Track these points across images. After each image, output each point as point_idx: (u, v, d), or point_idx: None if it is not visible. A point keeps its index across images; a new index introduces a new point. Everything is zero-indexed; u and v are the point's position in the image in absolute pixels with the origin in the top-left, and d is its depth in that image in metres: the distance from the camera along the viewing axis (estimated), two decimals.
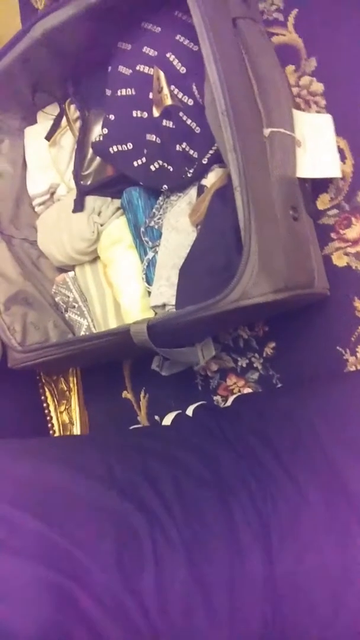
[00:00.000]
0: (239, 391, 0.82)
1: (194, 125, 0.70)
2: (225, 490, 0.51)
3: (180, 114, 0.69)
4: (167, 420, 0.72)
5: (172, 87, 0.69)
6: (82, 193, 0.79)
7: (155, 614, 0.40)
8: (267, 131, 0.57)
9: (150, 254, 0.73)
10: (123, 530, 0.43)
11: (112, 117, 0.74)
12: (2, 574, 0.36)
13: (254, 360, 0.79)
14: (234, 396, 0.74)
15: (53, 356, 0.72)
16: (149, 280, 0.73)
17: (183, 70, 0.69)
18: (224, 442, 0.60)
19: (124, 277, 0.75)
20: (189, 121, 0.70)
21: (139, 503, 0.45)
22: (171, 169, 0.71)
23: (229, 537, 0.47)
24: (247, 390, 0.81)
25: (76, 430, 1.03)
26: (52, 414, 1.01)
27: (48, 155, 0.86)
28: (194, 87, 0.68)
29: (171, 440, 0.59)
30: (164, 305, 0.66)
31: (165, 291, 0.65)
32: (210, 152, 0.69)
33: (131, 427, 0.69)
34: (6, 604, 0.36)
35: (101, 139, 0.76)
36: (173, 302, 0.64)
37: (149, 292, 0.72)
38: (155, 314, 0.72)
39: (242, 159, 0.52)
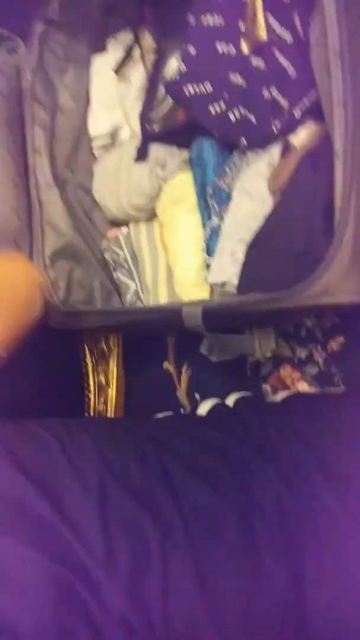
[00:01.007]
0: (292, 384, 0.73)
1: (289, 67, 0.58)
2: (249, 504, 0.46)
3: (275, 51, 0.57)
4: (204, 408, 0.65)
5: (270, 16, 0.56)
6: (147, 139, 0.69)
7: (158, 622, 0.38)
8: None
9: (215, 221, 0.63)
10: (132, 534, 0.41)
11: (192, 50, 0.63)
12: (5, 558, 0.36)
13: (315, 353, 0.70)
14: (286, 392, 0.66)
15: (95, 323, 0.66)
16: (209, 251, 0.63)
17: None
18: (261, 448, 0.53)
19: (181, 243, 0.66)
20: (284, 61, 0.58)
21: (152, 508, 0.42)
22: (254, 120, 0.60)
23: (247, 557, 0.42)
24: (302, 384, 0.72)
25: (111, 392, 0.98)
26: (90, 372, 0.97)
27: (115, 91, 0.76)
28: (297, 19, 0.56)
29: (201, 440, 0.54)
30: (223, 284, 0.57)
31: (228, 268, 0.56)
32: (306, 101, 0.57)
33: (160, 415, 0.62)
34: (7, 592, 0.35)
35: (177, 77, 0.65)
36: (235, 281, 0.55)
37: (208, 265, 0.63)
38: (212, 291, 0.63)
39: (352, 118, 0.40)
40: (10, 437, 0.45)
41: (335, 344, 0.68)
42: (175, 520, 0.42)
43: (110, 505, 0.42)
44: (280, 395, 0.67)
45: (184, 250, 0.66)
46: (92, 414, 0.97)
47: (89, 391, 0.97)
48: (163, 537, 0.41)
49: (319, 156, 0.50)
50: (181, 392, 0.87)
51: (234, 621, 0.40)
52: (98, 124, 0.79)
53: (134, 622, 0.37)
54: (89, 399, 0.97)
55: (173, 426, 0.58)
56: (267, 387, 0.76)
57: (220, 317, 0.51)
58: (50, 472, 0.43)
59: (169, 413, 0.64)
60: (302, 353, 0.71)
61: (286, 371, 0.73)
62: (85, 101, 0.79)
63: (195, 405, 0.84)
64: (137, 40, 0.72)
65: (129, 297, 0.79)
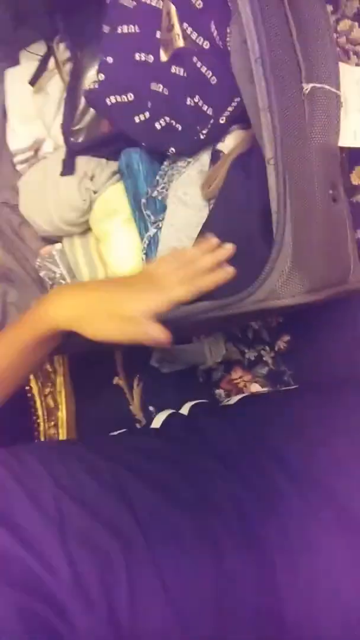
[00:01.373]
0: (245, 386, 0.74)
1: (209, 74, 0.58)
2: (210, 511, 0.46)
3: (194, 59, 0.57)
4: (158, 420, 0.63)
5: (185, 25, 0.56)
6: (72, 152, 0.67)
7: (127, 635, 0.37)
8: (307, 87, 0.46)
9: (152, 230, 0.62)
10: (95, 554, 0.40)
11: (110, 59, 0.61)
12: None
13: (264, 354, 0.71)
14: (240, 396, 0.66)
15: None
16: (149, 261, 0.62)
17: (200, 4, 0.56)
18: (220, 454, 0.53)
19: (119, 255, 0.65)
20: (203, 69, 0.58)
21: (111, 524, 0.42)
22: (180, 128, 0.59)
23: (210, 564, 0.42)
24: (254, 385, 0.73)
25: (61, 415, 0.94)
26: (36, 397, 0.92)
27: (32, 104, 0.73)
28: (213, 27, 0.56)
29: (156, 451, 0.53)
30: None
31: None
32: (230, 109, 0.57)
33: (114, 433, 0.61)
34: None
35: (96, 86, 0.63)
36: None
37: None
38: None
39: (278, 122, 0.41)
40: None
41: (282, 343, 0.69)
42: (134, 531, 0.42)
43: (70, 528, 0.41)
44: (234, 399, 0.67)
45: (123, 262, 0.65)
46: (43, 439, 0.92)
47: (37, 416, 0.93)
48: (124, 551, 0.40)
49: (249, 162, 0.51)
50: (134, 406, 0.85)
51: (204, 623, 0.39)
52: (18, 138, 0.75)
53: (105, 637, 0.36)
54: (38, 424, 0.92)
55: (126, 442, 0.56)
56: (220, 392, 0.76)
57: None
58: (5, 502, 0.41)
59: (123, 430, 0.62)
60: (251, 355, 0.72)
61: (237, 373, 0.74)
62: (2, 115, 0.76)
63: (150, 418, 0.83)
64: (51, 51, 0.70)
65: None
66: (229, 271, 0.46)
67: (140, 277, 0.51)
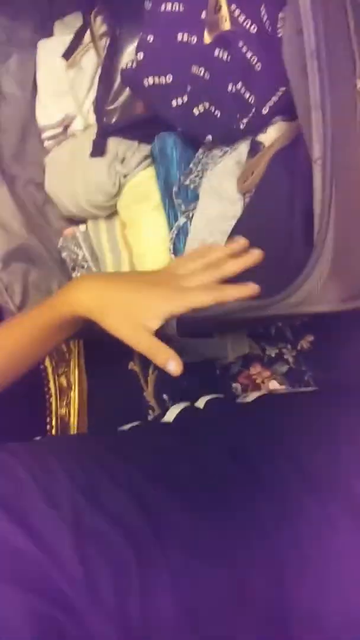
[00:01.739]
0: (262, 382, 0.73)
1: (254, 60, 0.56)
2: (228, 515, 0.45)
3: (240, 43, 0.54)
4: (172, 414, 0.63)
5: (234, 6, 0.53)
6: (104, 133, 0.65)
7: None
8: None
9: (181, 220, 0.60)
10: (109, 557, 0.39)
11: (150, 38, 0.59)
12: None
13: (285, 352, 0.70)
14: (258, 393, 0.65)
15: None
16: (176, 252, 0.61)
17: None
18: (236, 455, 0.53)
19: (146, 243, 0.63)
20: (249, 54, 0.55)
21: (126, 528, 0.41)
22: (219, 115, 0.57)
23: (226, 572, 0.42)
24: (273, 382, 0.72)
25: (73, 395, 0.95)
26: (49, 376, 0.92)
27: (65, 78, 0.70)
28: (263, 11, 0.53)
29: (171, 452, 0.52)
30: None
31: None
32: (274, 99, 0.55)
33: (126, 426, 0.60)
34: None
35: (134, 65, 0.61)
36: None
37: None
38: None
39: (330, 121, 0.39)
40: None
41: (305, 343, 0.68)
42: (147, 532, 0.41)
43: (85, 529, 0.40)
44: (251, 396, 0.66)
45: (149, 251, 0.63)
46: (54, 418, 0.93)
47: (50, 395, 0.93)
48: (139, 556, 0.40)
49: (292, 157, 0.49)
50: (149, 394, 0.85)
51: (215, 623, 0.40)
52: (47, 114, 0.73)
53: (115, 637, 0.36)
54: (50, 403, 0.93)
55: (141, 439, 0.56)
56: (237, 386, 0.75)
57: (194, 323, 0.49)
58: (20, 500, 0.41)
59: (135, 423, 0.62)
60: (272, 352, 0.71)
61: (256, 369, 0.73)
62: (31, 89, 0.74)
63: (164, 406, 0.83)
64: (87, 24, 0.67)
65: None
66: (254, 289, 0.45)
67: (163, 276, 0.50)
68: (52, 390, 0.93)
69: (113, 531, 0.41)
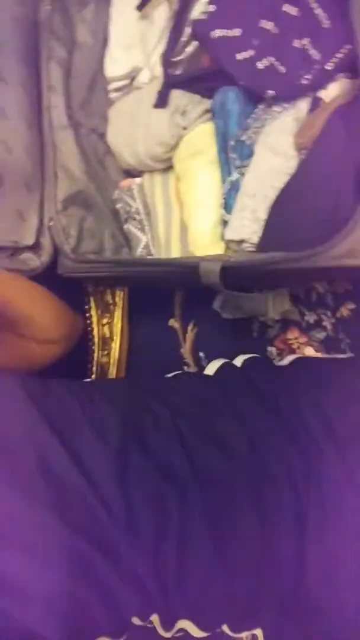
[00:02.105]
0: (298, 347, 0.74)
1: (323, 16, 0.55)
2: (262, 471, 0.47)
3: None
4: (212, 368, 0.65)
5: None
6: (169, 84, 0.66)
7: (172, 586, 0.38)
8: None
9: (235, 175, 0.61)
10: (151, 498, 0.41)
11: None
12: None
13: (324, 319, 0.70)
14: (294, 356, 0.66)
15: (105, 273, 0.65)
16: (227, 207, 0.62)
17: None
18: (272, 411, 0.54)
19: (198, 197, 0.65)
20: (317, 10, 0.55)
21: (169, 471, 0.42)
22: (284, 70, 0.57)
23: (259, 525, 0.44)
24: (308, 349, 0.73)
25: (115, 346, 0.98)
26: (94, 325, 0.96)
27: (135, 31, 0.71)
28: None
29: (213, 403, 0.54)
30: (241, 242, 0.56)
31: (248, 225, 0.54)
32: (339, 55, 0.54)
33: (170, 375, 0.62)
34: (20, 555, 0.35)
35: (205, 17, 0.61)
36: (254, 239, 0.54)
37: (225, 221, 0.61)
38: (227, 247, 0.62)
39: None
40: (37, 389, 0.45)
41: (345, 311, 0.68)
42: (191, 484, 0.43)
43: (130, 467, 0.42)
44: (287, 359, 0.67)
45: (201, 205, 0.65)
46: (95, 365, 0.97)
47: (93, 343, 0.98)
48: (180, 501, 0.41)
49: (351, 114, 0.48)
50: (186, 350, 0.87)
51: (242, 586, 0.41)
52: (116, 65, 0.75)
53: (151, 586, 0.37)
54: (93, 350, 0.97)
55: (185, 388, 0.57)
56: (272, 349, 0.76)
57: (238, 275, 0.51)
58: (72, 426, 0.43)
59: (178, 372, 0.64)
60: (310, 317, 0.71)
61: (293, 334, 0.73)
62: (103, 39, 0.75)
63: (199, 364, 0.85)
64: None
65: (139, 251, 0.78)
66: None
67: None
68: (96, 339, 0.98)
69: (156, 473, 0.42)
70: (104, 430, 0.44)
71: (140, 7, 0.69)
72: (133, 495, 0.40)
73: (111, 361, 0.99)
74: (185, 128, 0.66)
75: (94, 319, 0.97)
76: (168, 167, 0.72)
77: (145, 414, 0.47)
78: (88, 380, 0.52)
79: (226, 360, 0.66)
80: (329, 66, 0.55)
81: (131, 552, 0.37)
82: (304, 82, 0.56)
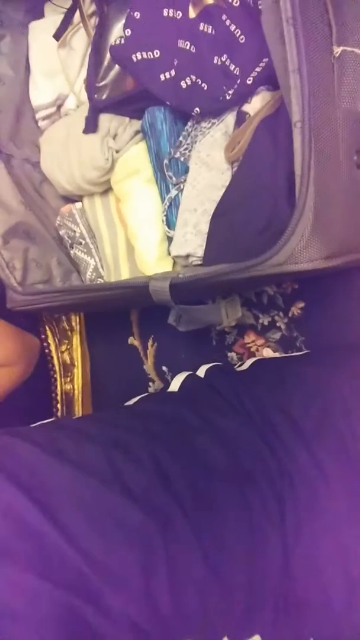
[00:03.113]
0: (257, 350, 0.76)
1: (238, 32, 0.57)
2: (243, 475, 0.48)
3: (223, 17, 0.56)
4: (176, 383, 0.65)
5: None
6: (96, 109, 0.67)
7: (169, 614, 0.38)
8: (337, 50, 0.45)
9: (173, 192, 0.62)
10: (132, 534, 0.39)
11: (137, 15, 0.60)
12: (15, 589, 0.34)
13: (278, 320, 0.72)
14: (252, 360, 0.68)
15: (56, 302, 0.64)
16: (169, 223, 0.63)
17: None
18: (241, 415, 0.55)
19: (140, 217, 0.65)
20: (232, 27, 0.57)
21: (148, 501, 0.41)
22: (206, 87, 0.59)
23: (247, 529, 0.44)
24: (267, 350, 0.75)
25: (77, 372, 0.98)
26: (53, 354, 0.95)
27: (56, 58, 0.72)
28: None
29: (183, 421, 0.54)
30: (187, 256, 0.57)
31: (191, 239, 0.56)
32: (257, 69, 0.56)
33: (133, 401, 0.62)
34: (20, 624, 0.33)
35: (122, 42, 0.62)
36: (199, 253, 0.55)
37: (169, 238, 0.63)
38: (174, 263, 0.63)
39: (307, 85, 0.41)
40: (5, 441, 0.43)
41: (296, 310, 0.70)
42: (171, 505, 0.42)
43: (103, 507, 0.40)
44: (247, 363, 0.69)
45: (143, 224, 0.66)
46: (59, 394, 0.96)
47: (54, 372, 0.96)
48: (164, 529, 0.40)
49: (276, 124, 0.51)
50: (149, 367, 0.87)
51: (238, 594, 0.41)
52: (41, 94, 0.75)
53: (145, 625, 0.36)
54: (55, 379, 0.96)
55: (151, 411, 0.56)
56: (232, 355, 0.78)
57: (188, 289, 0.52)
58: (39, 481, 0.41)
59: (141, 396, 0.64)
60: (265, 320, 0.73)
61: (250, 338, 0.75)
62: (24, 70, 0.75)
63: (164, 378, 0.85)
64: (76, 4, 0.68)
65: (88, 275, 0.78)
66: None
67: None
68: (57, 367, 0.96)
69: (133, 509, 0.41)
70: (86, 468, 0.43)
71: (58, 36, 0.70)
72: (115, 545, 0.38)
73: (75, 387, 0.98)
74: (118, 151, 0.67)
75: (52, 347, 0.95)
76: (107, 189, 0.73)
77: (117, 451, 0.45)
78: (49, 421, 0.50)
79: (189, 372, 0.67)
80: (249, 80, 0.57)
81: (118, 597, 0.36)
82: (228, 97, 0.58)
